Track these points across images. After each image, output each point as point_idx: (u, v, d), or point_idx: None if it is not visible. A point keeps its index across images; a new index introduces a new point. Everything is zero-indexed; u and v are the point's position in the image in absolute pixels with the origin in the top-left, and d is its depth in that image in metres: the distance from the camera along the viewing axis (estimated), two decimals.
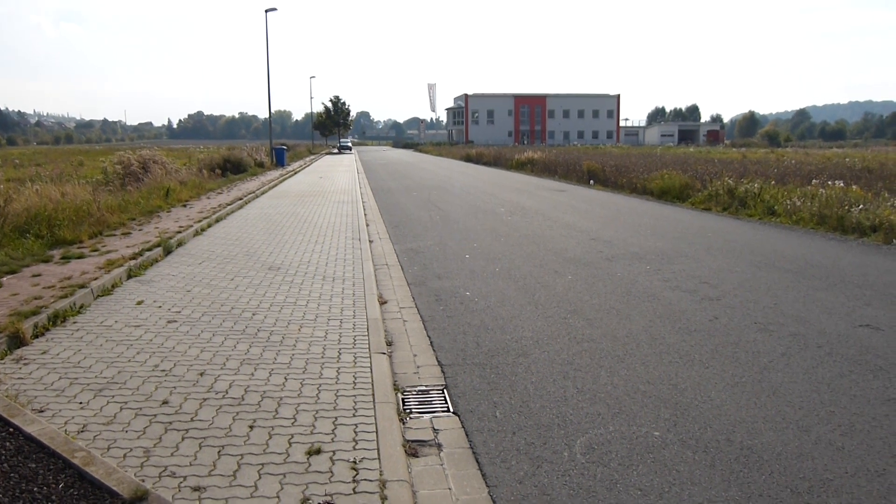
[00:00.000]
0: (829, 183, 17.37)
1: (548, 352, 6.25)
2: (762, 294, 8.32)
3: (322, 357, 5.99)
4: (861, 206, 13.83)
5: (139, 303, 7.78)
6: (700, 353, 6.19)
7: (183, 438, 4.39)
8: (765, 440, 4.45)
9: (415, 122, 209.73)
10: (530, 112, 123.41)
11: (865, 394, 5.23)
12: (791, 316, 7.34)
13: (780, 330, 6.85)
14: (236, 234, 13.26)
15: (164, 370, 5.63)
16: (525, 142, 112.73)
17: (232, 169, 30.98)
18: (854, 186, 16.51)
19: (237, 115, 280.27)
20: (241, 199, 19.59)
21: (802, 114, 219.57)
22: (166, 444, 4.29)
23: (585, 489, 3.88)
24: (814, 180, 18.57)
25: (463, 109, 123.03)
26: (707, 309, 7.66)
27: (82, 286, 7.98)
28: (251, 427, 4.57)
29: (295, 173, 35.63)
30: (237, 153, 34.99)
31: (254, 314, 7.35)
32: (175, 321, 7.06)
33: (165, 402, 4.96)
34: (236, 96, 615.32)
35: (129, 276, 9.09)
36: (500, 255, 11.04)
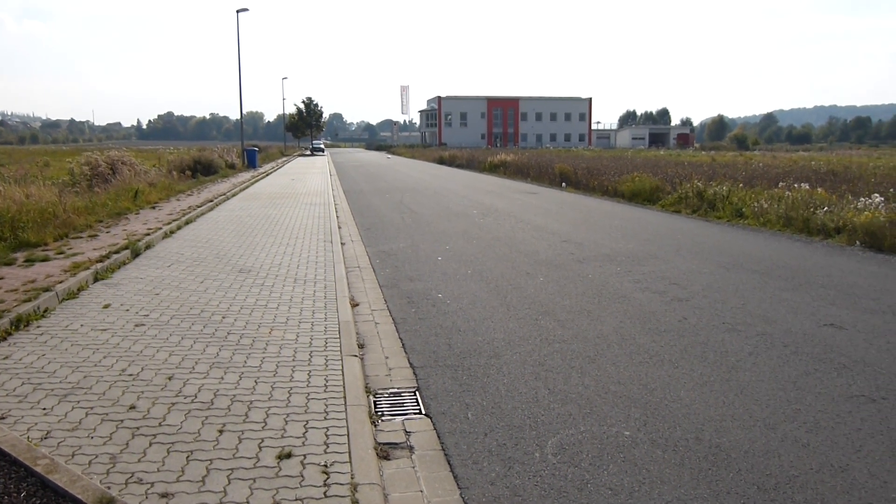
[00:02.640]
0: (796, 186, 17.66)
1: (519, 353, 6.27)
2: (730, 295, 8.44)
3: (293, 360, 5.94)
4: (826, 209, 14.10)
5: (106, 306, 7.65)
6: (670, 353, 6.26)
7: (150, 444, 4.31)
8: (733, 438, 4.51)
9: (388, 124, 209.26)
10: (503, 115, 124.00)
11: (829, 391, 5.32)
12: (758, 316, 7.46)
13: (748, 330, 6.96)
14: (206, 236, 13.11)
15: (131, 374, 5.54)
16: (498, 144, 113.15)
17: (202, 170, 30.60)
18: (819, 189, 16.82)
19: (208, 116, 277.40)
20: (211, 200, 19.37)
21: (770, 117, 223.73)
22: (133, 450, 4.22)
23: (557, 489, 3.90)
24: (780, 183, 18.88)
25: (436, 111, 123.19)
26: (676, 310, 7.75)
27: (47, 289, 7.82)
28: (221, 431, 4.51)
29: (267, 175, 35.34)
30: (208, 154, 34.54)
31: (224, 317, 7.26)
32: (143, 325, 6.95)
33: (132, 407, 4.88)
34: (207, 97, 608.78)
35: (96, 280, 8.93)
36: (472, 258, 11.06)
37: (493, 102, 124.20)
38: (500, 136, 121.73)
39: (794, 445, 4.41)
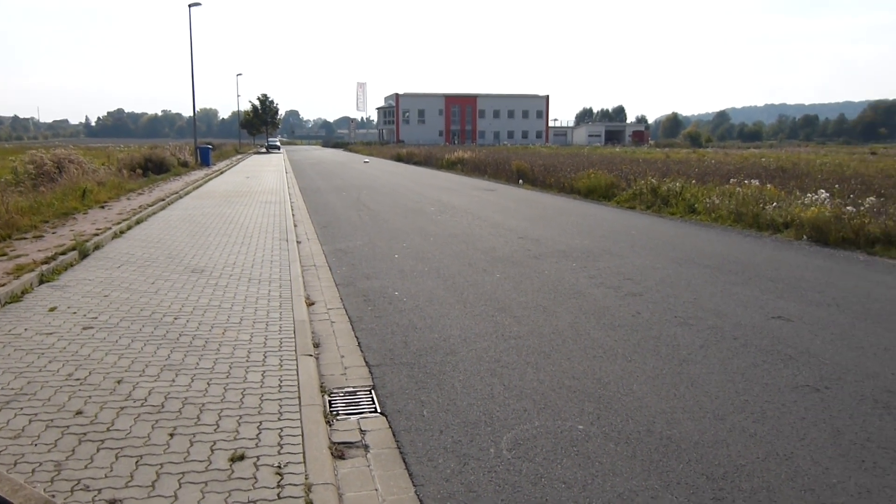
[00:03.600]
0: (746, 182, 18.09)
1: (475, 350, 6.29)
2: (682, 289, 8.61)
3: (247, 361, 5.85)
4: (775, 204, 14.48)
5: (52, 309, 7.43)
6: (623, 347, 6.35)
7: (98, 450, 4.21)
8: (683, 430, 4.60)
9: (345, 122, 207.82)
10: (461, 112, 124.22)
11: (776, 382, 5.47)
12: (709, 310, 7.62)
13: (699, 323, 7.10)
14: (158, 235, 12.83)
15: (78, 379, 5.39)
16: (456, 141, 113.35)
17: (154, 169, 29.95)
18: (769, 185, 17.24)
19: (160, 113, 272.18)
20: (163, 199, 18.98)
21: (722, 115, 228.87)
22: (80, 457, 4.11)
23: (511, 484, 3.92)
24: (732, 179, 19.31)
25: (394, 109, 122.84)
26: (630, 304, 7.87)
27: None
28: (171, 435, 4.42)
29: (221, 173, 34.77)
30: (160, 152, 33.78)
31: (175, 318, 7.12)
32: (91, 327, 6.77)
33: (79, 413, 4.75)
34: (159, 93, 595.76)
35: (41, 282, 8.67)
36: (429, 255, 11.05)
37: (450, 99, 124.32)
38: (457, 134, 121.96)
39: (741, 435, 4.52)
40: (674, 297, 8.17)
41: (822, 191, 14.70)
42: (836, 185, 16.68)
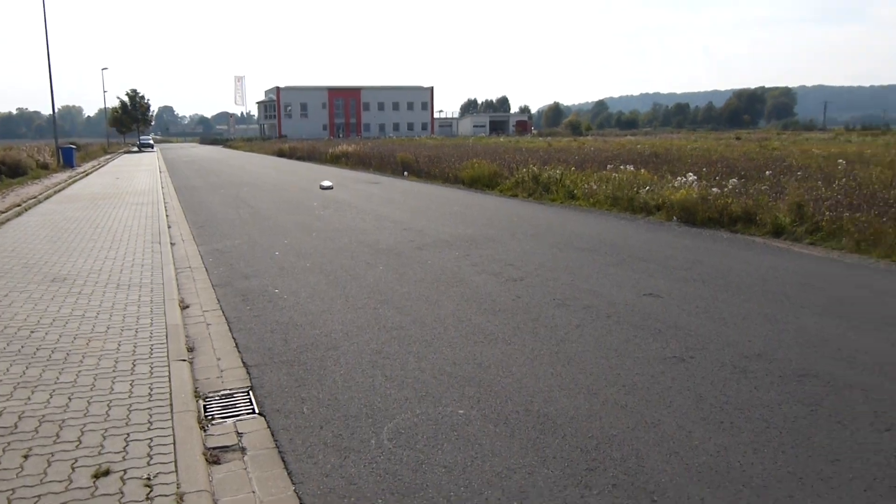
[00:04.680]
0: (622, 167, 18.91)
1: (357, 343, 6.22)
2: (561, 272, 8.88)
3: (113, 371, 5.51)
4: (648, 188, 15.22)
5: None
6: (503, 331, 6.47)
7: None
8: (559, 407, 4.74)
9: (224, 117, 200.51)
10: (345, 105, 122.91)
11: (646, 355, 5.74)
12: (585, 290, 7.90)
13: (576, 304, 7.35)
14: (12, 244, 11.86)
15: None
16: (340, 135, 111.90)
17: (8, 172, 27.72)
18: (643, 170, 18.10)
19: (15, 112, 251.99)
20: (18, 205, 17.58)
21: (601, 104, 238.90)
22: None
23: (392, 474, 3.90)
24: (609, 165, 20.12)
25: (275, 103, 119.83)
26: (511, 289, 8.03)
27: None
28: (26, 457, 4.08)
29: (87, 175, 32.66)
30: (14, 154, 31.27)
31: (32, 332, 6.60)
32: None
33: None
34: (14, 90, 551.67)
35: None
36: (311, 250, 10.85)
37: (334, 93, 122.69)
38: (342, 127, 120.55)
39: (613, 407, 4.71)
40: (553, 281, 8.42)
41: (691, 174, 15.60)
42: (704, 169, 17.72)
